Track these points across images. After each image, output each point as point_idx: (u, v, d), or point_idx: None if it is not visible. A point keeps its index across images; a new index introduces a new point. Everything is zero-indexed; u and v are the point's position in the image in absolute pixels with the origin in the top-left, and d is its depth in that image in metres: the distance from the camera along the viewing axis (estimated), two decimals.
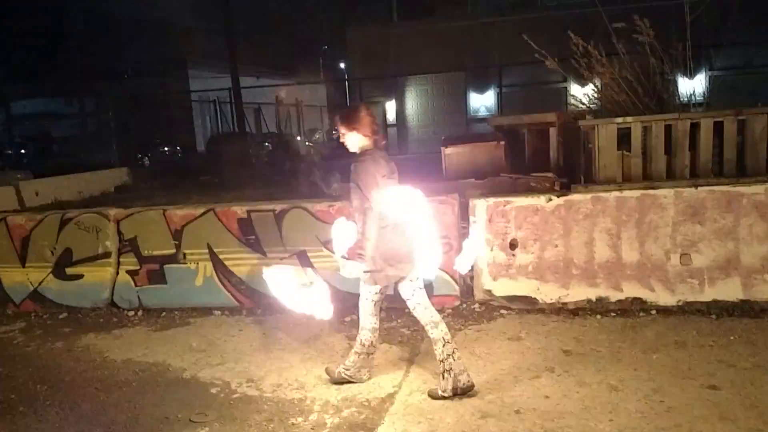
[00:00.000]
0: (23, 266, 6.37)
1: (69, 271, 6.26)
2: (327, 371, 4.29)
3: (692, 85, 8.26)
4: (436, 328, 3.91)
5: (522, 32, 8.47)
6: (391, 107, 26.04)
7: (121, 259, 6.18)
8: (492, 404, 3.77)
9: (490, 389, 3.95)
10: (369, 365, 4.20)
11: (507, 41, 20.77)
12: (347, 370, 4.17)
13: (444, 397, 3.84)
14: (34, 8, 28.90)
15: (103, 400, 4.27)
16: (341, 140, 4.01)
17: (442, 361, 3.87)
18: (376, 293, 4.00)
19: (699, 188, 5.15)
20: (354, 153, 3.97)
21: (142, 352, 5.12)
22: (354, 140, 3.93)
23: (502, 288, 5.40)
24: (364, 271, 3.89)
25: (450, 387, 3.85)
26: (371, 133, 3.92)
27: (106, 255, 6.19)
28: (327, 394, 4.09)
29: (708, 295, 5.06)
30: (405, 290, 3.98)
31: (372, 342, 4.10)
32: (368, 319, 4.06)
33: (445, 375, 3.85)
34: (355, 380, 4.17)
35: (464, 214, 5.57)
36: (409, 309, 4.04)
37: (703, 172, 6.36)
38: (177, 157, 26.61)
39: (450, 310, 5.43)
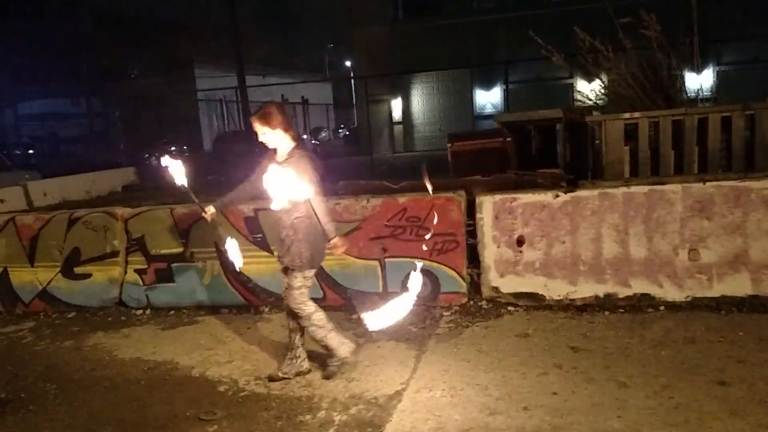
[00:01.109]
0: (32, 266, 6.40)
1: (77, 270, 6.29)
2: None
3: (700, 80, 8.21)
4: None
5: (528, 28, 8.45)
6: (397, 105, 26.04)
7: (129, 258, 6.20)
8: (500, 401, 3.76)
9: (498, 386, 3.95)
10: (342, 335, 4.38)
11: (513, 38, 20.73)
12: (334, 359, 4.28)
13: (283, 378, 4.25)
14: (41, 9, 29.03)
15: (112, 399, 4.29)
16: (261, 139, 4.14)
17: (294, 348, 4.29)
18: (311, 277, 4.24)
19: (707, 183, 5.12)
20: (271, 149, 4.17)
21: (150, 350, 5.14)
22: (279, 138, 4.11)
23: (510, 285, 5.39)
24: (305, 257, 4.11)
25: (293, 371, 4.29)
26: (292, 130, 4.16)
27: (114, 254, 6.21)
28: (335, 391, 4.09)
29: (717, 290, 5.03)
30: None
31: (325, 317, 4.26)
32: (310, 302, 4.21)
33: (293, 361, 4.31)
34: (346, 353, 4.28)
35: (471, 211, 5.56)
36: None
37: (711, 167, 6.31)
38: (183, 156, 26.68)
39: (457, 307, 5.43)
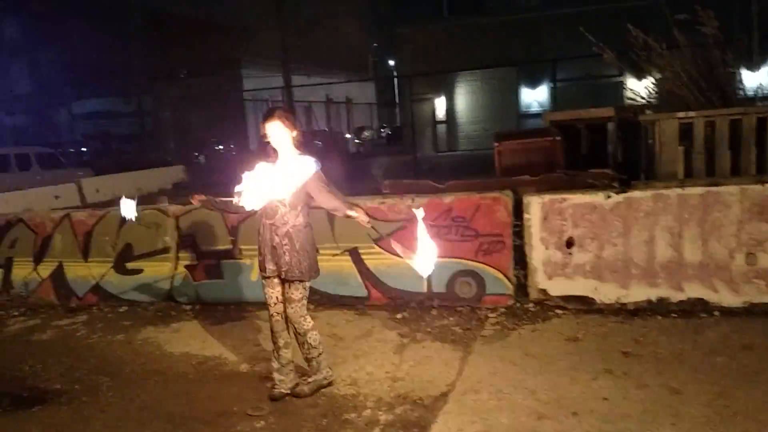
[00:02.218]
0: (86, 261, 6.59)
1: (129, 265, 6.45)
2: (297, 393, 4.09)
3: (758, 78, 7.93)
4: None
5: (576, 25, 8.30)
6: (440, 104, 25.94)
7: (179, 255, 6.33)
8: (548, 405, 3.69)
9: (546, 390, 3.88)
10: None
11: (560, 35, 20.41)
12: (312, 378, 4.13)
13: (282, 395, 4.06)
14: (94, 10, 29.87)
15: (161, 393, 4.37)
16: (274, 141, 3.89)
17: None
18: (308, 288, 4.08)
19: (766, 185, 4.93)
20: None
21: (199, 345, 5.22)
22: (291, 140, 3.93)
23: (558, 287, 5.30)
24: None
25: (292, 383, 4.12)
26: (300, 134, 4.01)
27: (166, 250, 6.35)
28: (380, 390, 4.09)
29: None
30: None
31: (320, 338, 4.16)
32: (309, 317, 4.08)
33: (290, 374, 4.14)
34: (331, 378, 4.20)
35: (518, 211, 5.48)
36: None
37: None
38: (231, 155, 27.12)
39: (503, 309, 5.36)
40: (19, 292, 6.81)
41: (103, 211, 6.78)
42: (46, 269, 6.73)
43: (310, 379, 4.12)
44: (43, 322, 6.24)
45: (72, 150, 31.04)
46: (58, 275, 6.68)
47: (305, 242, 3.96)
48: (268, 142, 3.92)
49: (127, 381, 4.62)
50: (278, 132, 3.88)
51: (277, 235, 3.93)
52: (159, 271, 6.36)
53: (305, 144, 4.12)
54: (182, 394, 4.32)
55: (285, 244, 3.92)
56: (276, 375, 4.11)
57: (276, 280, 4.02)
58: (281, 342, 4.08)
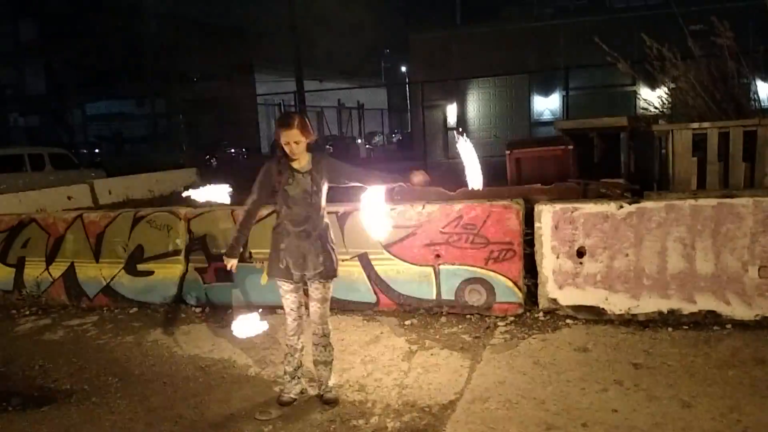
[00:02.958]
0: (97, 261, 6.62)
1: (140, 267, 6.47)
2: (330, 400, 4.05)
3: None
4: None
5: (588, 34, 8.29)
6: (452, 111, 25.92)
7: (190, 257, 6.35)
8: (558, 416, 3.67)
9: (555, 401, 3.86)
10: None
11: (573, 43, 20.39)
12: (331, 384, 4.14)
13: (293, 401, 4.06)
14: (108, 13, 30.13)
15: (170, 395, 4.38)
16: (292, 150, 3.84)
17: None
18: None
19: None
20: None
21: (208, 348, 5.24)
22: (305, 147, 3.89)
23: (568, 297, 5.27)
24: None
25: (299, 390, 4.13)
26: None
27: (176, 252, 6.37)
28: (388, 397, 4.08)
29: None
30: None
31: None
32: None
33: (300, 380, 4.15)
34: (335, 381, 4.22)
35: (529, 220, 5.46)
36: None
37: None
38: (242, 158, 27.25)
39: (513, 318, 5.34)
40: (31, 292, 6.85)
41: (115, 212, 6.81)
42: (57, 269, 6.77)
43: (331, 383, 4.10)
44: (54, 322, 6.28)
45: (85, 151, 31.31)
46: (69, 276, 6.72)
47: (331, 242, 4.00)
48: (281, 147, 3.88)
49: (137, 382, 4.64)
50: (296, 140, 3.82)
51: (309, 239, 3.90)
52: (169, 273, 6.38)
53: (316, 148, 4.14)
54: (191, 396, 4.33)
55: (319, 248, 3.91)
56: (287, 380, 4.10)
57: (300, 285, 4.01)
58: (300, 345, 4.07)
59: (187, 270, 6.35)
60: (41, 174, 15.61)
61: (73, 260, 6.72)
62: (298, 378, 4.12)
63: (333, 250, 3.99)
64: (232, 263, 4.23)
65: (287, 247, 3.93)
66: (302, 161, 3.91)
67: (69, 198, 13.59)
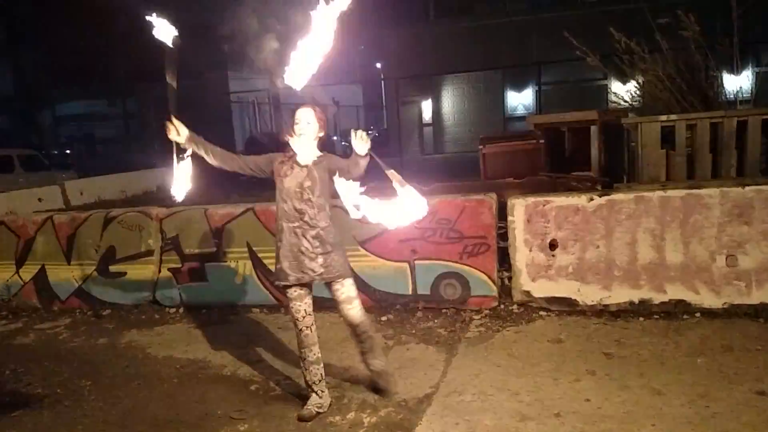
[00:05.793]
0: (69, 263, 6.54)
1: (112, 268, 6.40)
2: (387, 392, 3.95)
3: (739, 82, 8.04)
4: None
5: (561, 29, 8.37)
6: (427, 106, 25.98)
7: (163, 257, 6.29)
8: (531, 407, 3.72)
9: (529, 392, 3.90)
10: None
11: (545, 38, 20.52)
12: (381, 375, 4.00)
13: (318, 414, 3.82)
14: (77, 11, 29.65)
15: (145, 396, 4.35)
16: (304, 129, 3.67)
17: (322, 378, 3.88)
18: None
19: (746, 188, 4.99)
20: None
21: (183, 348, 5.20)
22: (315, 137, 3.75)
23: (542, 289, 5.33)
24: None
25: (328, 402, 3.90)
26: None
27: (149, 253, 6.31)
28: (364, 393, 4.09)
29: (755, 297, 4.91)
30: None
31: None
32: None
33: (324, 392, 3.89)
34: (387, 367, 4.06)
35: (502, 214, 5.52)
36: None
37: (751, 171, 6.18)
38: None
39: (488, 311, 5.38)
40: (1, 296, 6.74)
41: (86, 213, 6.72)
42: (28, 272, 6.67)
43: (378, 365, 3.94)
44: (25, 326, 6.18)
45: (55, 152, 30.76)
46: (40, 278, 6.62)
47: (334, 240, 3.75)
48: (289, 134, 3.71)
49: (110, 385, 4.59)
50: (308, 119, 3.68)
51: (305, 238, 3.68)
52: (142, 274, 6.32)
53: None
54: (166, 397, 4.30)
55: (316, 247, 3.68)
56: (311, 394, 3.85)
57: (304, 291, 3.77)
58: (312, 357, 3.82)
59: (160, 270, 6.30)
60: (10, 176, 15.35)
61: (44, 263, 6.63)
62: (323, 390, 3.86)
63: (337, 248, 3.75)
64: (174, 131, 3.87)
65: (284, 246, 3.73)
66: (305, 152, 3.71)
67: (39, 200, 13.38)
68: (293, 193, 3.69)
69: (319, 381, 3.86)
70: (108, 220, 6.44)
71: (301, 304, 3.78)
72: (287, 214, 3.71)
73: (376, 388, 3.96)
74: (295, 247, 3.69)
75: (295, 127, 3.69)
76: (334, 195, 3.72)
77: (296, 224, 3.69)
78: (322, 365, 3.88)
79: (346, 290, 3.77)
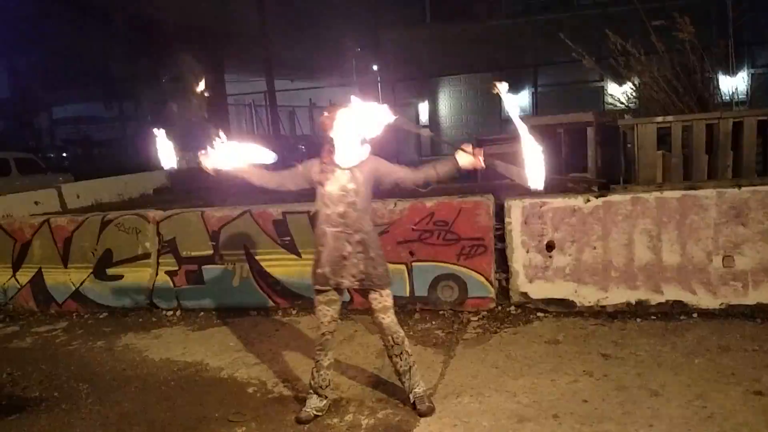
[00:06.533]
0: (65, 267, 6.53)
1: (109, 271, 6.39)
2: (424, 413, 3.74)
3: (734, 83, 8.08)
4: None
5: (557, 32, 8.39)
6: (424, 108, 26.00)
7: (160, 260, 6.28)
8: (529, 408, 3.72)
9: (527, 393, 3.91)
10: None
11: (542, 41, 20.55)
12: (423, 387, 3.85)
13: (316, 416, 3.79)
14: (73, 14, 29.63)
15: (142, 399, 4.34)
16: (342, 130, 3.53)
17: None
18: None
19: (742, 188, 5.01)
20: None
21: (180, 351, 5.19)
22: (357, 139, 3.61)
23: (539, 290, 5.34)
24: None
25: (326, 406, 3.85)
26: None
27: (146, 256, 6.30)
28: (362, 395, 4.09)
29: (752, 298, 4.92)
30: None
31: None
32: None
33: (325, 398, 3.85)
34: (424, 386, 3.90)
35: (499, 215, 5.52)
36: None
37: (747, 172, 6.20)
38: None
39: (485, 313, 5.39)
40: None
41: (82, 216, 6.71)
42: (25, 276, 6.66)
43: (419, 392, 3.77)
44: (22, 329, 6.17)
45: (52, 155, 30.74)
46: (37, 282, 6.61)
47: (377, 247, 3.66)
48: (329, 140, 3.60)
49: (108, 388, 4.58)
50: (348, 120, 3.53)
51: (349, 243, 3.57)
52: (139, 276, 6.32)
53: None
54: (163, 400, 4.29)
55: (359, 252, 3.58)
56: (309, 394, 3.84)
57: (336, 297, 3.71)
58: (326, 362, 3.78)
59: (157, 273, 6.29)
60: (7, 179, 15.31)
61: (40, 266, 6.62)
62: (325, 396, 3.83)
63: (379, 255, 3.65)
64: (207, 163, 3.81)
65: (325, 250, 3.62)
66: (348, 155, 3.58)
67: (36, 203, 13.34)
68: (336, 197, 3.58)
69: (326, 386, 3.84)
70: (105, 223, 6.43)
71: (329, 309, 3.72)
72: (329, 219, 3.60)
73: (419, 412, 3.74)
74: (337, 252, 3.59)
75: (336, 128, 3.56)
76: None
77: (339, 229, 3.58)
78: (331, 371, 3.86)
79: (383, 300, 3.69)
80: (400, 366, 3.77)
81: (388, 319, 3.71)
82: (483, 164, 3.64)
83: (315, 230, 3.74)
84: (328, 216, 3.60)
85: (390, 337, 3.73)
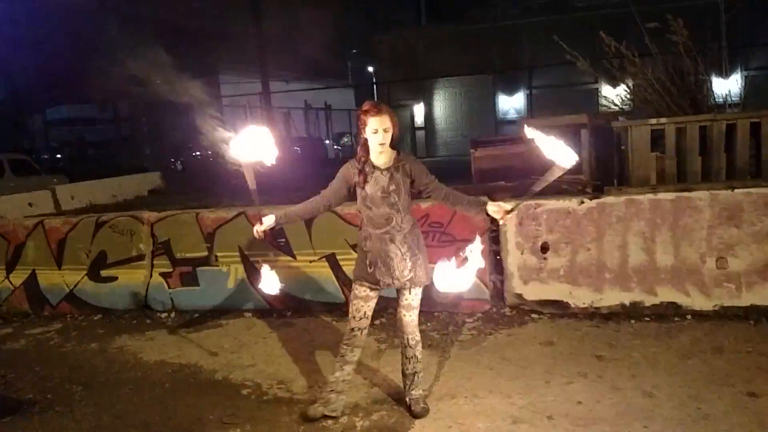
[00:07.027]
0: (59, 268, 6.50)
1: (104, 273, 6.37)
2: (418, 414, 3.77)
3: (727, 85, 8.11)
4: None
5: (552, 34, 8.41)
6: (419, 110, 26.08)
7: (154, 262, 6.26)
8: (524, 410, 3.73)
9: (521, 394, 3.91)
10: None
11: (536, 43, 20.63)
12: (418, 393, 3.85)
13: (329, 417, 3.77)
14: (68, 15, 29.54)
15: (137, 401, 4.33)
16: (386, 138, 3.48)
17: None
18: None
19: (735, 190, 5.03)
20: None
21: (175, 353, 5.18)
22: (389, 140, 3.54)
23: (534, 292, 5.34)
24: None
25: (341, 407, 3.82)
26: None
27: (140, 257, 6.29)
28: (357, 396, 4.08)
29: (745, 299, 4.94)
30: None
31: None
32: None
33: (339, 395, 3.81)
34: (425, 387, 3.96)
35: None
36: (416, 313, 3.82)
37: (740, 173, 6.23)
38: (208, 161, 26.96)
39: (480, 314, 5.39)
40: None
41: (76, 218, 6.69)
42: (18, 277, 6.62)
43: (416, 394, 3.80)
44: (15, 331, 6.14)
45: (46, 156, 30.67)
46: (31, 283, 6.57)
47: (421, 245, 3.67)
48: (363, 143, 3.56)
49: (101, 390, 4.56)
50: (385, 126, 3.46)
51: (393, 243, 3.56)
52: (133, 278, 6.30)
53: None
54: (157, 402, 4.28)
55: (405, 252, 3.57)
56: (328, 392, 3.80)
57: (374, 294, 3.68)
58: (352, 358, 3.74)
59: (151, 275, 6.27)
60: (1, 181, 15.25)
61: (34, 267, 6.58)
62: (341, 394, 3.79)
63: (424, 253, 3.65)
64: (258, 228, 3.73)
65: (372, 250, 3.60)
66: (385, 157, 3.55)
67: (30, 204, 13.32)
68: (378, 199, 3.55)
69: (346, 383, 3.80)
70: (99, 224, 6.41)
71: (364, 306, 3.69)
72: (373, 221, 3.58)
73: (413, 413, 3.78)
74: (384, 253, 3.57)
75: (375, 137, 3.48)
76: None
77: (384, 230, 3.57)
78: (352, 369, 3.81)
79: (411, 298, 3.68)
80: (408, 368, 3.80)
81: (409, 318, 3.71)
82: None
83: (360, 233, 3.71)
84: (372, 218, 3.59)
85: (407, 337, 3.74)
